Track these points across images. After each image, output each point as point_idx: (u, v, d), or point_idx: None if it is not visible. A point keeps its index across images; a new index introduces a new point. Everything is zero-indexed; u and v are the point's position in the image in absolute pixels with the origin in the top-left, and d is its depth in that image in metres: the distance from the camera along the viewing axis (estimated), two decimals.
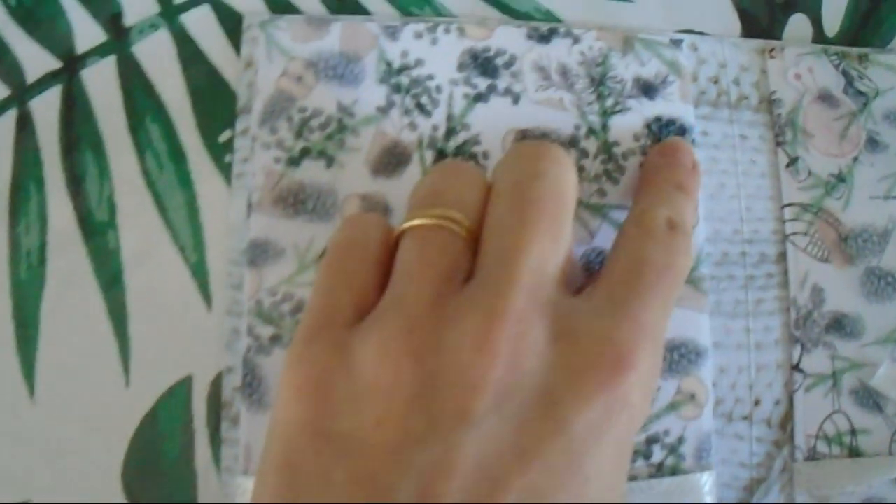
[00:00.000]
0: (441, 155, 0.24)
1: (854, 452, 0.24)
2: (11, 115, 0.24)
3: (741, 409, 0.24)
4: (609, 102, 0.24)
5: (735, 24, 0.26)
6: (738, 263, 0.25)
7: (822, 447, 0.24)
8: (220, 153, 0.24)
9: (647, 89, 0.25)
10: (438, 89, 0.24)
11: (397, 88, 0.24)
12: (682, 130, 0.24)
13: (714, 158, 0.25)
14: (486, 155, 0.24)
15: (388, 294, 0.18)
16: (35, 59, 0.25)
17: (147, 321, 0.23)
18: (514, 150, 0.21)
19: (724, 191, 0.25)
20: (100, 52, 0.25)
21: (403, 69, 0.24)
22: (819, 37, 0.27)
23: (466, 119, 0.24)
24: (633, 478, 0.22)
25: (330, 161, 0.23)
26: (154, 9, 0.25)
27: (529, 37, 0.25)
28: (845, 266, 0.25)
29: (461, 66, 0.24)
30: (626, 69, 0.25)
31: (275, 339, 0.22)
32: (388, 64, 0.24)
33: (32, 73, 0.25)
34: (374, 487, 0.16)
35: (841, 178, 0.25)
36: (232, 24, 0.25)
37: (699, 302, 0.24)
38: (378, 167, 0.23)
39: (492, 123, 0.24)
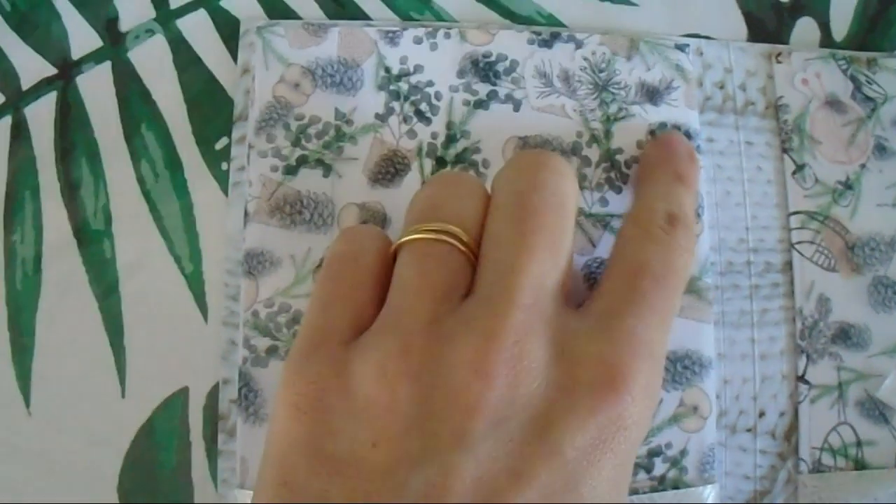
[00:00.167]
0: (440, 163, 0.23)
1: (860, 465, 0.24)
2: (6, 122, 0.24)
3: (745, 421, 0.24)
4: (612, 109, 0.24)
5: (741, 27, 0.26)
6: (743, 273, 0.24)
7: (827, 459, 0.23)
8: (216, 161, 0.24)
9: (652, 95, 0.24)
10: (438, 96, 0.24)
11: (396, 95, 0.24)
12: (687, 137, 0.24)
13: (719, 165, 0.25)
14: (486, 163, 0.23)
15: (386, 311, 0.18)
16: (30, 65, 0.24)
17: (143, 332, 0.23)
18: (514, 160, 0.20)
19: (730, 198, 0.24)
20: (95, 57, 0.24)
21: (403, 75, 0.24)
22: (827, 41, 0.26)
23: (466, 126, 0.24)
24: (634, 491, 0.22)
25: (327, 170, 0.23)
26: (150, 14, 0.25)
27: (531, 41, 0.24)
28: (852, 275, 0.24)
29: (461, 72, 0.24)
30: (629, 74, 0.24)
31: (271, 351, 0.22)
32: (387, 70, 0.24)
33: (27, 80, 0.24)
34: None
35: (848, 185, 0.25)
36: (229, 30, 0.24)
37: (703, 312, 0.23)
38: (376, 176, 0.23)
39: (492, 131, 0.24)
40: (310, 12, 0.25)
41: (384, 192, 0.23)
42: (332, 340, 0.18)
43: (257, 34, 0.24)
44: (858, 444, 0.24)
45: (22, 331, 0.23)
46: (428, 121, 0.24)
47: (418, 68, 0.24)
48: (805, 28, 0.26)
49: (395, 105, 0.24)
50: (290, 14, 0.25)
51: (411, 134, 0.23)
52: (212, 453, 0.22)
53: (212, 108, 0.24)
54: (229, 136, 0.24)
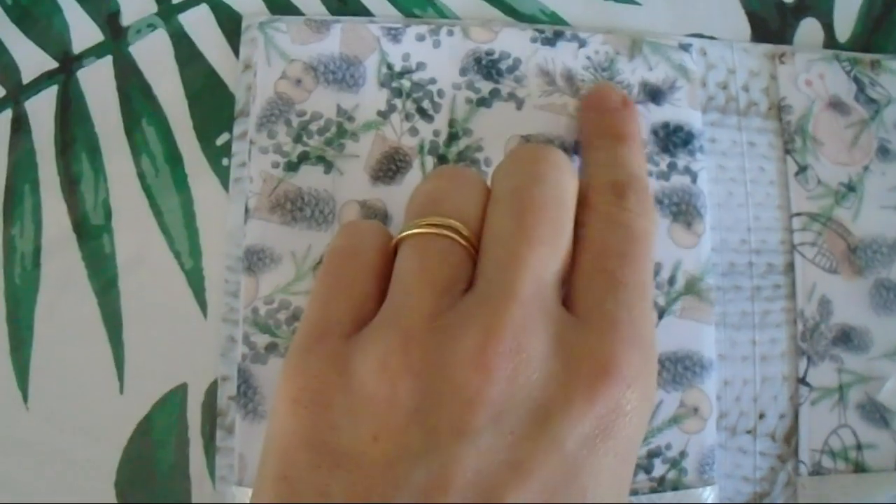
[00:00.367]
0: (442, 161, 0.23)
1: (860, 467, 0.23)
2: (6, 115, 0.24)
3: (745, 423, 0.23)
4: None
5: (745, 28, 0.26)
6: (744, 274, 0.24)
7: (827, 462, 0.23)
8: (217, 157, 0.24)
9: (655, 94, 0.24)
10: (440, 93, 0.24)
11: (398, 92, 0.23)
12: (690, 137, 0.24)
13: (722, 166, 0.24)
14: (487, 161, 0.23)
15: (387, 305, 0.18)
16: (31, 59, 0.24)
17: (142, 327, 0.23)
18: (513, 154, 0.20)
19: (732, 199, 0.24)
20: (96, 51, 0.24)
21: (405, 72, 0.24)
22: (830, 42, 0.26)
23: (469, 124, 0.23)
24: (633, 492, 0.22)
25: (329, 167, 0.23)
26: (152, 8, 0.25)
27: (534, 40, 0.24)
28: (854, 278, 0.24)
29: (464, 70, 0.24)
30: (632, 74, 0.24)
31: (270, 348, 0.22)
32: (390, 67, 0.24)
33: (28, 73, 0.24)
34: (370, 502, 0.16)
35: (851, 187, 0.25)
36: (231, 25, 0.24)
37: (705, 313, 0.23)
38: (378, 173, 0.23)
39: (494, 129, 0.23)
40: (312, 8, 0.25)
41: (385, 189, 0.23)
42: (332, 335, 0.18)
43: (259, 30, 0.24)
44: (858, 446, 0.24)
45: (20, 325, 0.23)
46: (430, 118, 0.23)
47: (421, 65, 0.24)
48: (809, 29, 0.26)
49: (397, 102, 0.23)
50: (292, 10, 0.25)
51: (413, 131, 0.23)
52: (210, 450, 0.22)
53: (213, 103, 0.24)
54: (230, 131, 0.24)
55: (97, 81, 0.24)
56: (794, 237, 0.24)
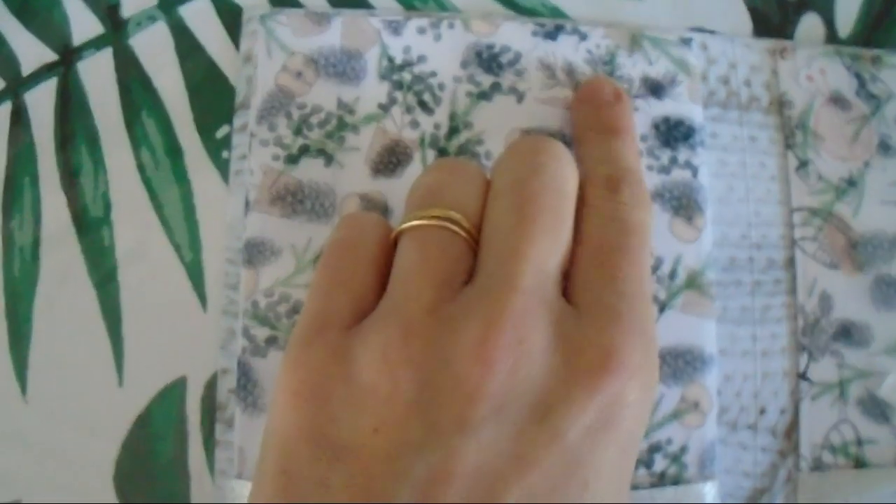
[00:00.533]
0: (443, 154, 0.23)
1: (860, 463, 0.23)
2: (6, 107, 0.24)
3: (746, 418, 0.23)
4: None
5: (746, 22, 0.26)
6: (745, 269, 0.24)
7: (827, 457, 0.23)
8: (217, 149, 0.24)
9: (655, 89, 0.24)
10: (441, 86, 0.24)
11: (399, 85, 0.23)
12: (691, 131, 0.24)
13: (723, 161, 0.24)
14: (488, 155, 0.23)
15: (387, 297, 0.18)
16: (30, 51, 0.24)
17: (141, 320, 0.23)
18: (513, 145, 0.20)
19: (733, 194, 0.24)
20: (96, 44, 0.24)
21: (406, 65, 0.24)
22: (832, 37, 0.26)
23: (469, 118, 0.23)
24: (634, 487, 0.22)
25: (329, 159, 0.23)
26: (152, 0, 0.24)
27: (535, 33, 0.24)
28: (855, 273, 0.24)
29: (464, 63, 0.24)
30: (633, 68, 0.24)
31: (270, 341, 0.22)
32: (391, 60, 0.24)
33: (28, 66, 0.24)
34: (371, 495, 0.16)
35: (852, 182, 0.25)
36: (231, 18, 0.24)
37: (705, 308, 0.23)
38: (378, 166, 0.23)
39: (495, 123, 0.23)
40: (313, 1, 0.25)
41: (386, 182, 0.23)
42: (332, 327, 0.18)
43: (260, 22, 0.24)
44: (859, 442, 0.24)
45: (19, 318, 0.23)
46: (430, 111, 0.23)
47: (421, 58, 0.24)
48: (810, 24, 0.26)
49: (398, 95, 0.23)
50: (293, 2, 0.24)
51: (414, 124, 0.23)
52: (209, 443, 0.22)
53: (213, 95, 0.24)
54: (231, 124, 0.24)
55: (97, 74, 0.24)
56: (795, 232, 0.24)
